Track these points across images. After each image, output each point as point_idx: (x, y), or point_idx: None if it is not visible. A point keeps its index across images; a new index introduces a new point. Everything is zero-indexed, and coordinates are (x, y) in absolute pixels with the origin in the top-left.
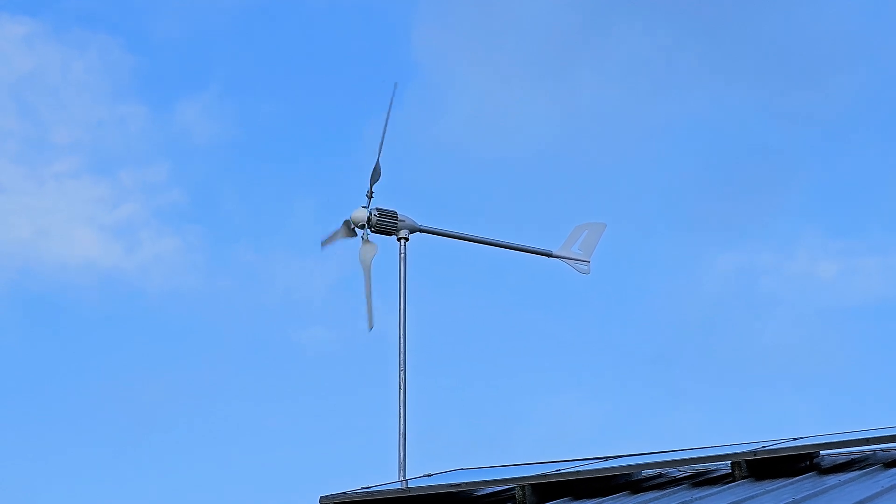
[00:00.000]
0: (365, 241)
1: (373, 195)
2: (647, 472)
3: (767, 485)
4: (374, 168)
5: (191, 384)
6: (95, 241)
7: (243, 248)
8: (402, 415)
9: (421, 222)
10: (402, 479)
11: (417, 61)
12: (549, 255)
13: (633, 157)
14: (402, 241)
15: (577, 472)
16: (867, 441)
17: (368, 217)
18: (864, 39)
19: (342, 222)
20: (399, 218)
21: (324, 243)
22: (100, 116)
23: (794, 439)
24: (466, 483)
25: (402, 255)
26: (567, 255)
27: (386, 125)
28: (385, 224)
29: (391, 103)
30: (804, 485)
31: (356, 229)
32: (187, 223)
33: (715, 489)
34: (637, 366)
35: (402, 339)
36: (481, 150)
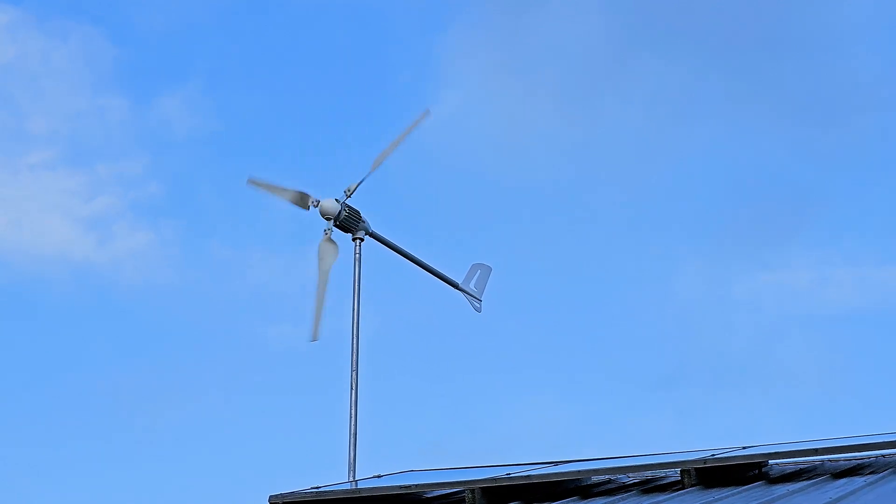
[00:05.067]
0: (327, 239)
1: (351, 195)
2: (597, 478)
3: (716, 493)
4: (373, 170)
5: (159, 378)
6: (69, 233)
7: (218, 243)
8: (353, 415)
9: (374, 227)
10: (351, 479)
11: (440, 79)
12: (457, 286)
13: (651, 184)
14: (358, 241)
15: (528, 476)
16: (816, 451)
17: (339, 211)
18: (882, 84)
19: (298, 191)
20: (361, 218)
21: (252, 181)
22: (79, 107)
23: (744, 448)
24: (416, 485)
25: (358, 255)
26: (468, 290)
27: (400, 141)
28: (351, 221)
29: (414, 126)
30: (753, 493)
31: (327, 225)
32: (163, 217)
33: (664, 496)
34: (605, 371)
35: (355, 340)
36: (500, 174)
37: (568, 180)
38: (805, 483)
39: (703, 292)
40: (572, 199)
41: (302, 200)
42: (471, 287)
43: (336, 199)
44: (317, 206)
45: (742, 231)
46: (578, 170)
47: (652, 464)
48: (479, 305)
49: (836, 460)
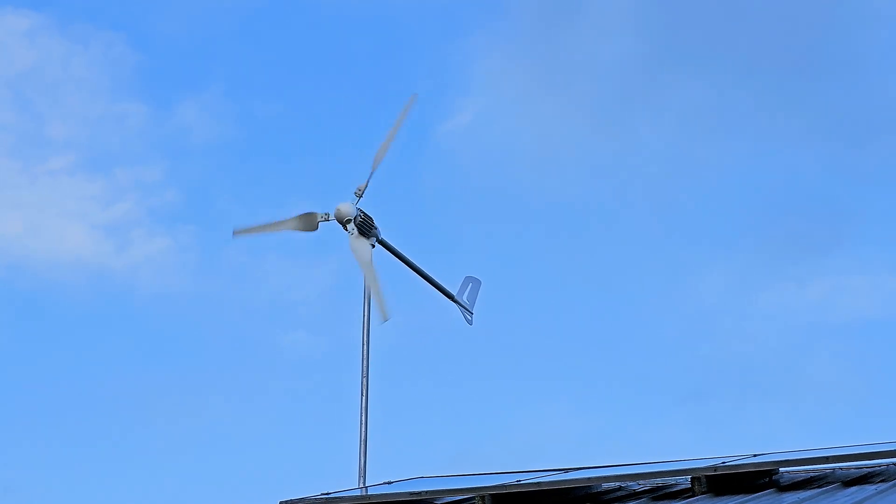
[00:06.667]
0: (356, 236)
1: (362, 195)
2: (607, 486)
3: (726, 500)
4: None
5: (173, 383)
6: (87, 239)
7: (236, 250)
8: (363, 421)
9: (384, 235)
10: (361, 485)
11: (471, 90)
12: (452, 297)
13: (681, 199)
14: (370, 248)
15: (538, 483)
16: (826, 459)
17: (355, 215)
18: None
19: (297, 216)
20: (374, 225)
21: (237, 233)
22: (98, 113)
23: (755, 455)
24: (427, 491)
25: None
26: (462, 303)
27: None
28: (364, 227)
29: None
30: (763, 501)
31: (346, 226)
32: (181, 223)
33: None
34: (628, 381)
35: (365, 346)
36: (531, 187)
37: (599, 194)
38: (816, 491)
39: (729, 304)
40: (602, 212)
41: (308, 223)
42: (463, 299)
43: (352, 203)
44: (327, 219)
45: (770, 245)
46: (609, 184)
47: (662, 471)
48: (470, 318)
49: (847, 468)
